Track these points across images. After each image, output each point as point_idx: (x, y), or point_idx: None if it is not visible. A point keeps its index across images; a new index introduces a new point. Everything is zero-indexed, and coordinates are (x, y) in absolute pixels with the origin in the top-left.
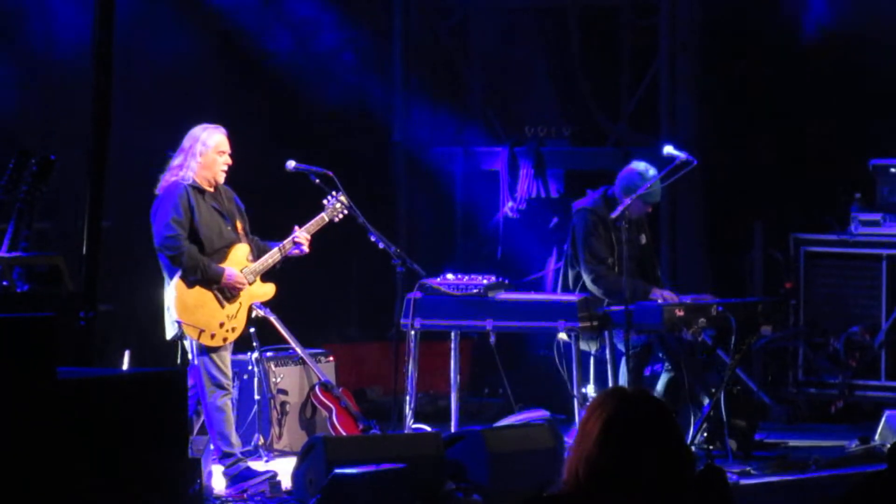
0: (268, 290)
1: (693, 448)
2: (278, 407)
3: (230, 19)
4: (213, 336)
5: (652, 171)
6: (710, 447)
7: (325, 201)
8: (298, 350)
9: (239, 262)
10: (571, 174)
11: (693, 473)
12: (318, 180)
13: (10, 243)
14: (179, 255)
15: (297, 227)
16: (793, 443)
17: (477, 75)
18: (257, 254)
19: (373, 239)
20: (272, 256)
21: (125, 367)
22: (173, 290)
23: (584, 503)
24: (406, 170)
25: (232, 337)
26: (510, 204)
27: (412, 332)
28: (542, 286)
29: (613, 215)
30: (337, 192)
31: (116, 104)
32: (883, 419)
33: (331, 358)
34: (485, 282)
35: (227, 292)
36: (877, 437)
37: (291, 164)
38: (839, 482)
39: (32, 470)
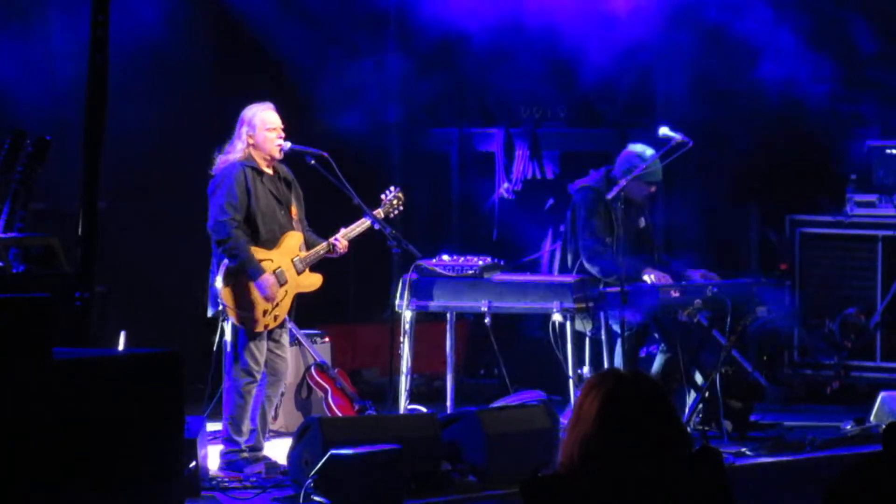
0: (314, 280)
1: (689, 429)
2: None
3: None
4: (255, 322)
5: (650, 152)
6: (706, 428)
7: (382, 196)
8: (294, 331)
9: (291, 250)
10: (567, 156)
11: (689, 454)
12: (313, 161)
13: (6, 224)
14: (226, 239)
15: (343, 228)
16: (788, 424)
17: (472, 56)
18: (308, 244)
19: (368, 220)
20: (317, 252)
21: (121, 348)
22: (222, 273)
23: (579, 484)
24: (401, 151)
25: (273, 324)
26: (506, 185)
27: (408, 313)
28: (538, 267)
29: (610, 195)
30: (395, 187)
31: (112, 84)
32: (878, 400)
33: (326, 339)
34: (480, 263)
35: (277, 278)
36: (872, 418)
37: (287, 144)
38: (834, 463)
39: (28, 450)
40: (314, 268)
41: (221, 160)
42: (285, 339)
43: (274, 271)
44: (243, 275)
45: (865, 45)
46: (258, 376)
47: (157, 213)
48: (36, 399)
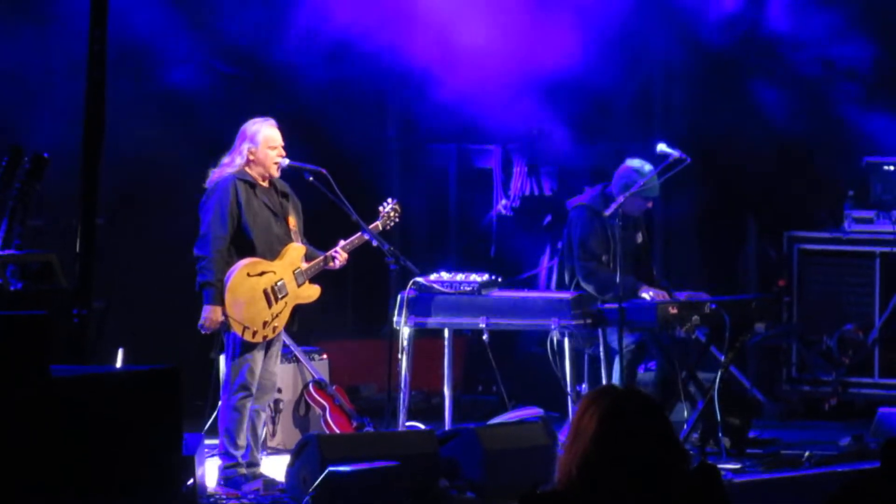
0: (312, 292)
1: (687, 446)
2: (272, 405)
3: (226, 17)
4: (254, 334)
5: (648, 167)
6: (704, 445)
7: (380, 208)
8: (292, 347)
9: (292, 262)
10: (565, 172)
11: (687, 471)
12: (311, 177)
13: (4, 241)
14: (203, 256)
15: (342, 241)
16: (786, 440)
17: (470, 71)
18: (307, 256)
19: (366, 237)
20: (317, 265)
21: (119, 364)
22: (228, 282)
23: (577, 500)
24: (399, 167)
25: (272, 335)
26: (504, 202)
27: (406, 330)
28: (536, 284)
29: (608, 212)
30: (393, 199)
31: (110, 101)
32: (876, 416)
33: (324, 356)
34: (478, 279)
35: (278, 291)
36: (870, 434)
37: (285, 161)
38: (832, 479)
39: (25, 467)
40: (313, 279)
41: (216, 173)
42: (276, 353)
43: (275, 284)
44: (249, 287)
45: (864, 60)
46: (254, 390)
47: (155, 229)
48: (34, 416)
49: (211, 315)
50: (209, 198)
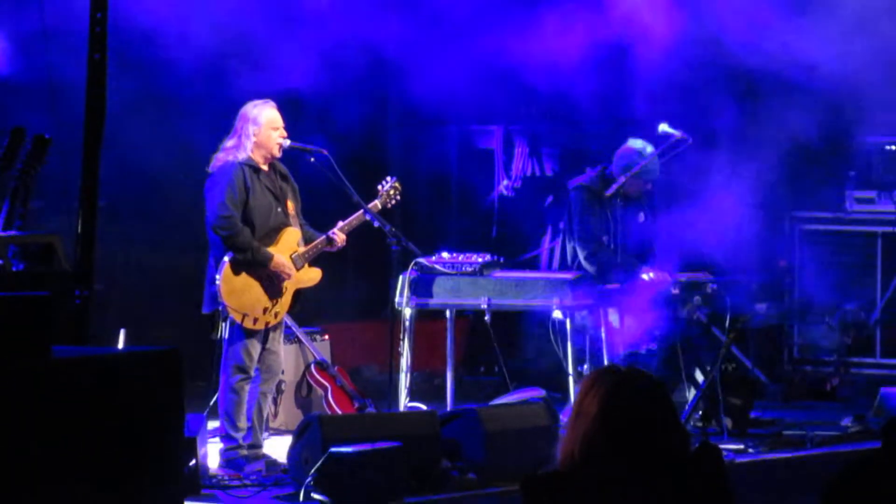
0: (314, 275)
1: (689, 426)
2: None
3: None
4: (255, 321)
5: (649, 149)
6: (706, 425)
7: (379, 186)
8: (294, 328)
9: (289, 246)
10: (567, 152)
11: (689, 451)
12: (313, 158)
13: (5, 222)
14: (234, 235)
15: (340, 222)
16: (788, 420)
17: (472, 52)
18: (306, 238)
19: (368, 217)
20: (315, 247)
21: (120, 346)
22: (221, 272)
23: (580, 481)
24: (401, 148)
25: (273, 321)
26: (505, 182)
27: (408, 311)
28: (538, 264)
29: (608, 193)
30: (392, 178)
31: (111, 82)
32: (878, 396)
33: (326, 336)
34: (480, 260)
35: (275, 279)
36: (872, 414)
37: (287, 142)
38: (834, 459)
39: (27, 449)
40: (313, 262)
41: (219, 158)
42: (279, 336)
43: (273, 269)
44: (245, 272)
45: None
46: (252, 373)
47: (156, 211)
48: (35, 397)
49: (280, 262)
50: (216, 182)
